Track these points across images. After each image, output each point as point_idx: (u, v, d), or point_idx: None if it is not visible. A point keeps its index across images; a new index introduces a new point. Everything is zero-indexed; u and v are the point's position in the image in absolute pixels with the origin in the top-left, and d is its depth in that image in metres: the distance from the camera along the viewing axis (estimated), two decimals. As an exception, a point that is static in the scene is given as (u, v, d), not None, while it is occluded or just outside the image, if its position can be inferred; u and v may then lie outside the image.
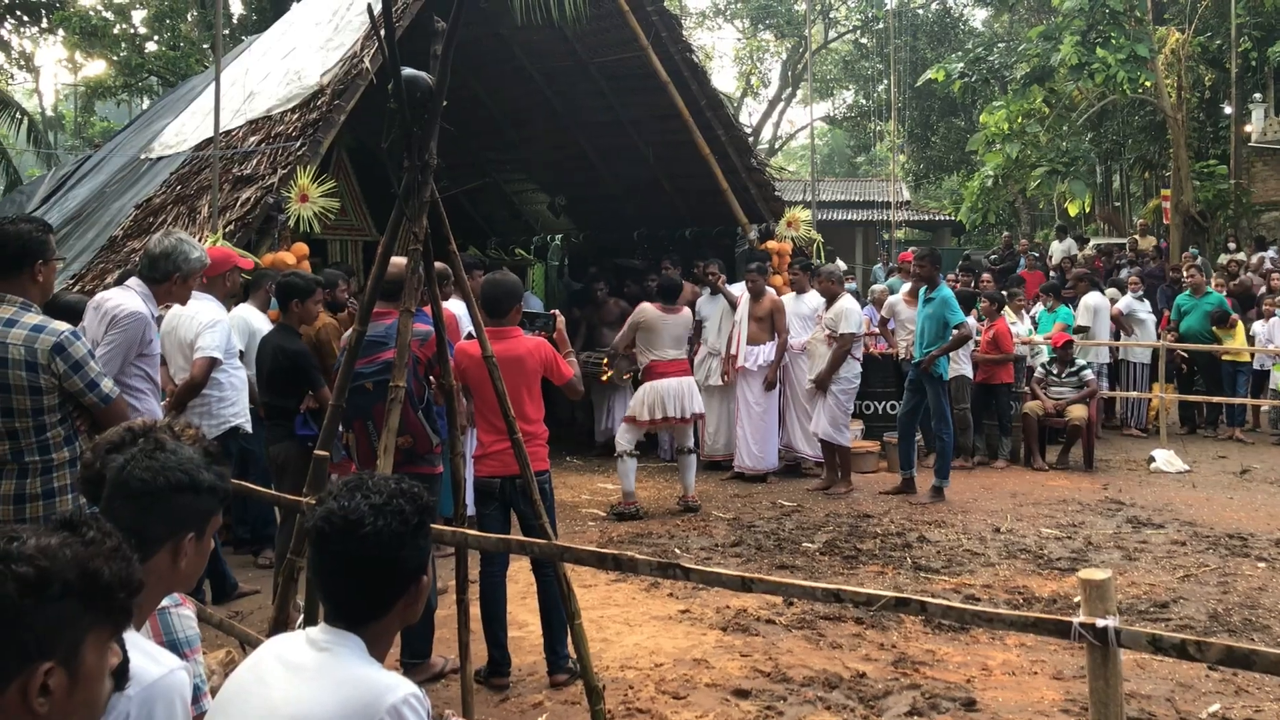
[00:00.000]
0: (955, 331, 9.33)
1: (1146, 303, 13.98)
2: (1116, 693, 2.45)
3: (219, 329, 6.32)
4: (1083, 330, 12.74)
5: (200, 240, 8.26)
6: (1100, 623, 2.42)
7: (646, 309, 9.06)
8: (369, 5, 4.59)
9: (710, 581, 2.93)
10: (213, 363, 6.26)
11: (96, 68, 27.78)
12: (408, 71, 4.32)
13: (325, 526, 2.23)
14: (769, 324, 10.12)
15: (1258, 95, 24.66)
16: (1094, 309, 13.23)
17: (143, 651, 2.13)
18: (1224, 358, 13.18)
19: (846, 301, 9.82)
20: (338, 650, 2.20)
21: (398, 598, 2.26)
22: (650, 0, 11.34)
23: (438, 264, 4.73)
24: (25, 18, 24.75)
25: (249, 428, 6.73)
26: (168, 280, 5.09)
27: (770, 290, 10.41)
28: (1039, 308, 13.31)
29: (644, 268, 12.10)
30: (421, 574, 2.29)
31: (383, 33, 4.15)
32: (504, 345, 5.41)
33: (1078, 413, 10.98)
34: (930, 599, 2.61)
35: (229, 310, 7.10)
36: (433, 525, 2.50)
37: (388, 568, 2.22)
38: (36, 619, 1.48)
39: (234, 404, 6.57)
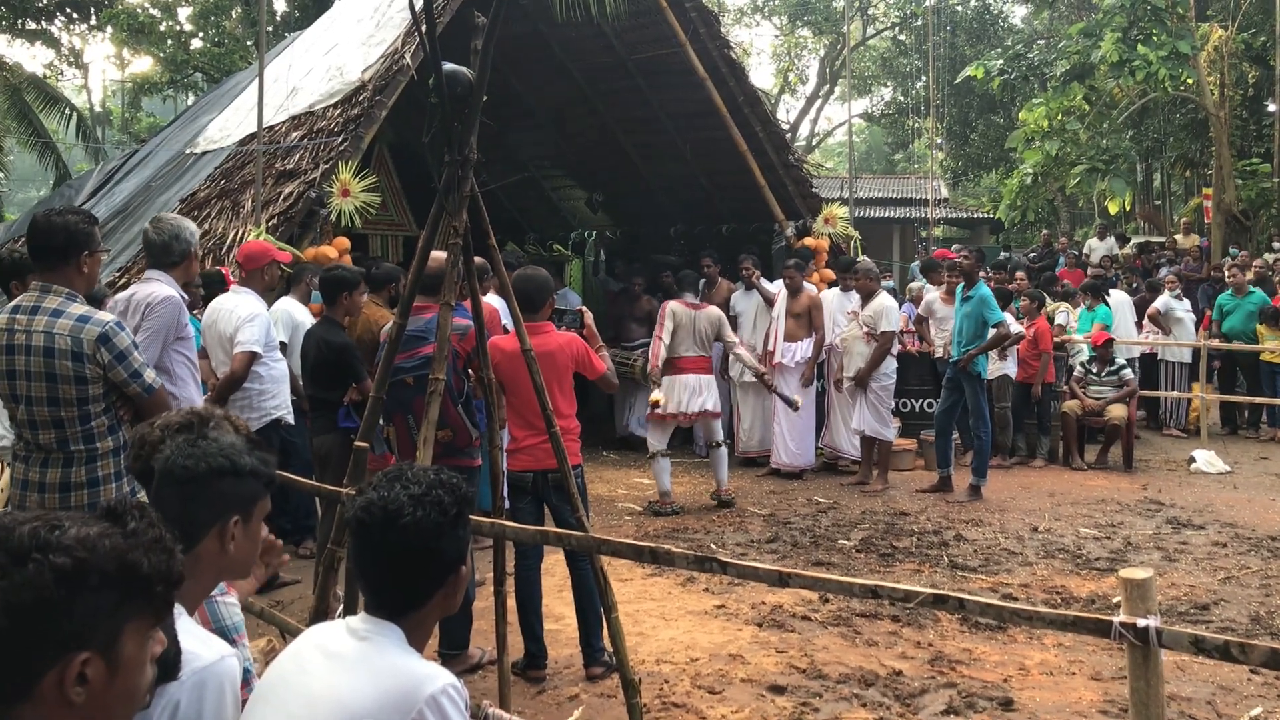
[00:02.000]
0: (994, 330, 9.29)
1: (1186, 301, 13.83)
2: (1158, 694, 2.44)
3: (258, 322, 6.37)
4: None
5: (243, 234, 8.37)
6: (1141, 623, 2.41)
7: (674, 308, 9.04)
8: (410, 1, 4.63)
9: (747, 576, 2.94)
10: (253, 357, 6.32)
11: (143, 64, 28.08)
12: (448, 67, 4.36)
13: (365, 516, 2.26)
14: (806, 320, 10.10)
15: (1302, 92, 24.32)
16: (1114, 306, 13.12)
17: (195, 637, 2.17)
18: (1263, 357, 13.02)
19: (885, 299, 9.80)
20: (377, 640, 2.23)
21: (437, 588, 2.29)
22: (688, -3, 11.34)
23: (477, 259, 4.76)
24: (75, 15, 25.05)
25: (290, 419, 6.80)
26: (186, 259, 5.13)
27: (809, 287, 10.39)
28: (1080, 308, 13.20)
29: (681, 264, 12.10)
30: (460, 564, 2.31)
31: (424, 28, 4.19)
32: (537, 340, 5.43)
33: (1117, 412, 10.89)
34: (969, 596, 2.60)
35: (270, 304, 7.17)
36: (471, 517, 2.52)
37: (427, 558, 2.25)
38: (74, 609, 1.49)
39: (275, 396, 6.62)
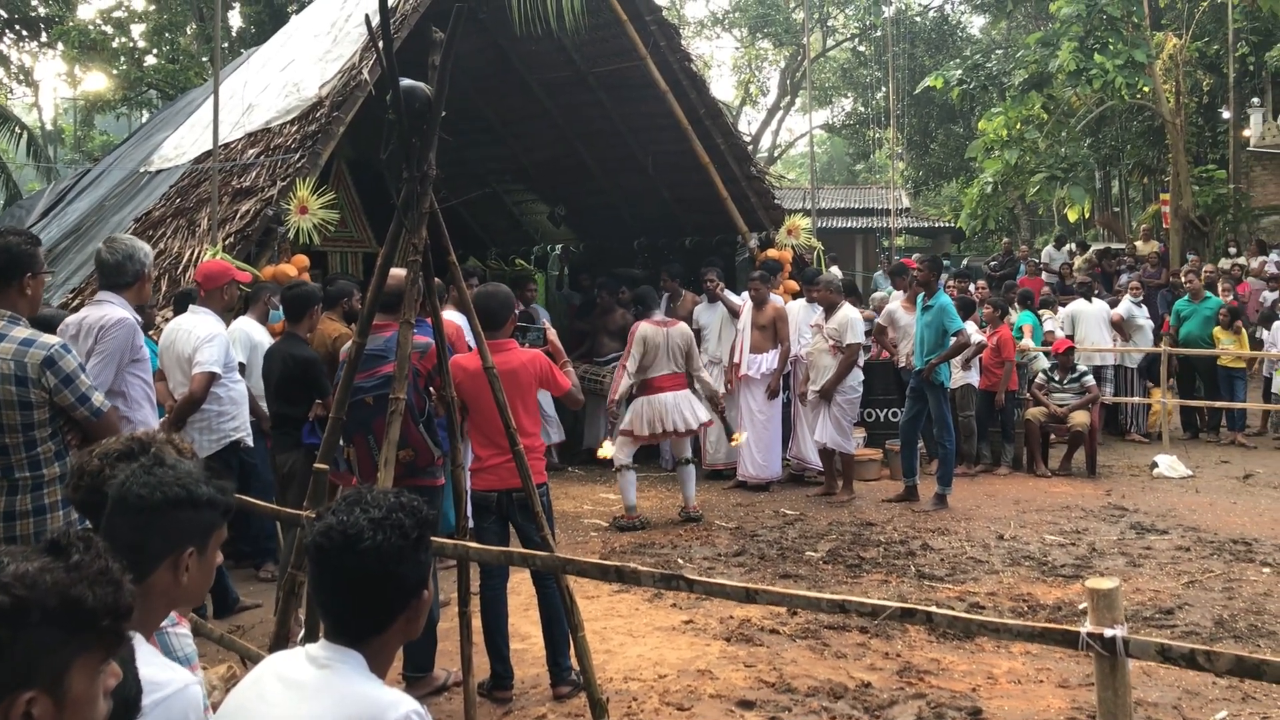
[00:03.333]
0: (954, 339, 9.32)
1: (1145, 308, 13.96)
2: (1125, 703, 2.43)
3: (217, 343, 6.28)
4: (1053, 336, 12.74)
5: (200, 253, 8.27)
6: (1108, 632, 2.40)
7: (644, 331, 8.97)
8: (366, 16, 4.58)
9: (714, 593, 2.91)
10: (212, 378, 6.23)
11: (96, 81, 27.79)
12: (406, 82, 4.31)
13: (324, 542, 2.21)
14: (772, 332, 10.09)
15: (1255, 100, 24.68)
16: (1071, 316, 13.23)
17: (157, 665, 2.14)
18: (1220, 362, 13.14)
19: (848, 311, 9.79)
20: (338, 667, 2.19)
21: (399, 613, 2.24)
22: (649, 10, 11.35)
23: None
24: (25, 32, 24.77)
25: (250, 441, 6.70)
26: (138, 281, 5.06)
27: (775, 298, 10.39)
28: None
29: (644, 277, 12.08)
30: (422, 588, 2.27)
31: (381, 44, 4.15)
32: (500, 358, 5.39)
33: (1080, 419, 10.96)
34: (935, 609, 2.59)
35: (227, 324, 7.09)
36: (434, 538, 2.48)
37: (387, 582, 2.20)
38: (15, 648, 1.45)
39: (234, 418, 6.53)
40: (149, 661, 2.14)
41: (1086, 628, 2.43)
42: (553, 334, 6.09)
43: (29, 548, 1.60)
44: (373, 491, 2.32)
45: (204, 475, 2.40)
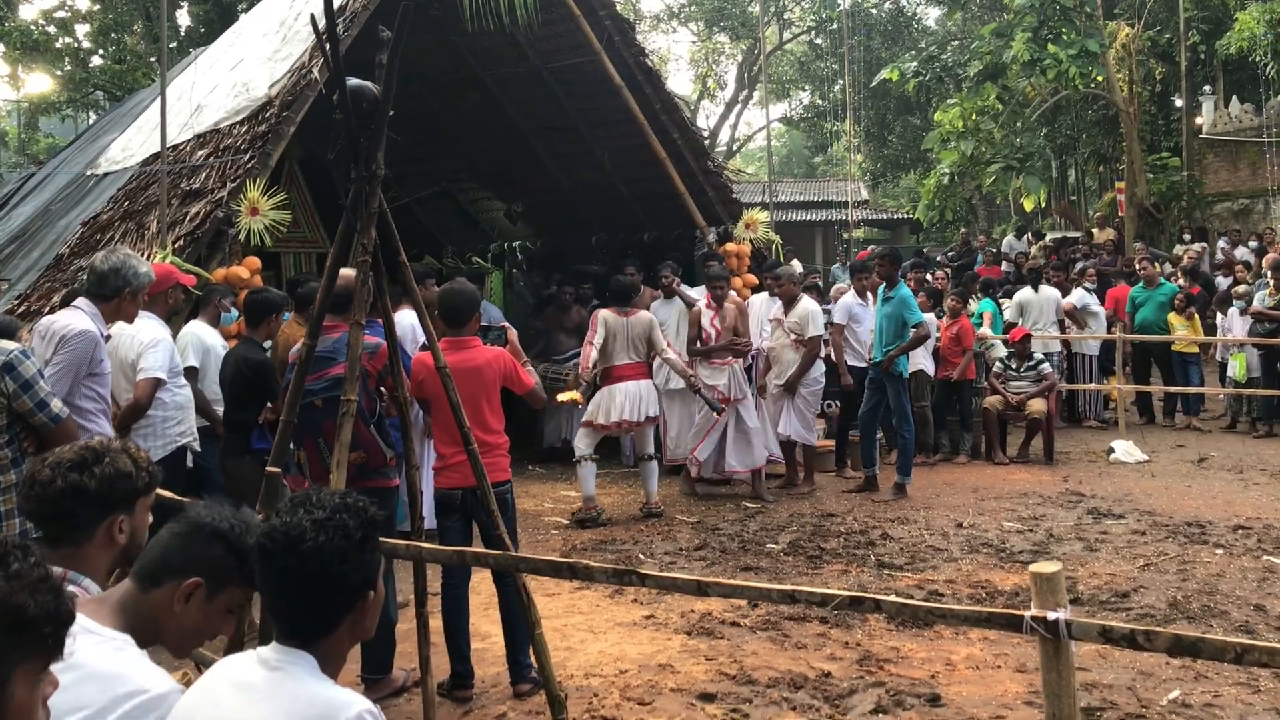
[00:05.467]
0: (914, 330, 9.37)
1: (1095, 297, 14.09)
2: (1069, 684, 2.46)
3: (161, 348, 6.19)
4: (1012, 325, 12.83)
5: (148, 257, 8.17)
6: (1051, 615, 2.43)
7: (605, 315, 8.99)
8: (312, 17, 4.54)
9: (666, 587, 2.91)
10: (157, 383, 6.12)
11: (40, 83, 27.41)
12: (353, 82, 4.28)
13: (267, 543, 2.21)
14: (733, 330, 10.07)
15: (1207, 88, 24.99)
16: (1020, 304, 13.35)
17: (150, 668, 2.21)
18: (1174, 347, 13.29)
19: (808, 304, 9.80)
20: (289, 669, 2.18)
21: (344, 613, 2.23)
22: (602, 5, 11.32)
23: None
24: (-36, 34, 24.42)
25: (197, 446, 6.62)
26: (117, 296, 5.04)
27: (732, 294, 10.37)
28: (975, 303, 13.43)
29: (603, 273, 12.06)
30: (368, 589, 2.26)
31: (327, 44, 4.11)
32: (463, 355, 5.39)
33: (1037, 406, 11.06)
34: (885, 597, 2.60)
35: (179, 328, 7.01)
36: (386, 539, 2.47)
37: (331, 583, 2.19)
38: None
39: (180, 423, 6.43)
40: (137, 664, 2.19)
41: (1031, 612, 2.45)
42: (513, 334, 6.08)
43: None
44: (320, 493, 2.31)
45: (233, 511, 2.50)
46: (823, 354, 10.01)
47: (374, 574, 2.28)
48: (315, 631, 2.21)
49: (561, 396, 9.15)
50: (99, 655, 2.14)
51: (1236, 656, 2.20)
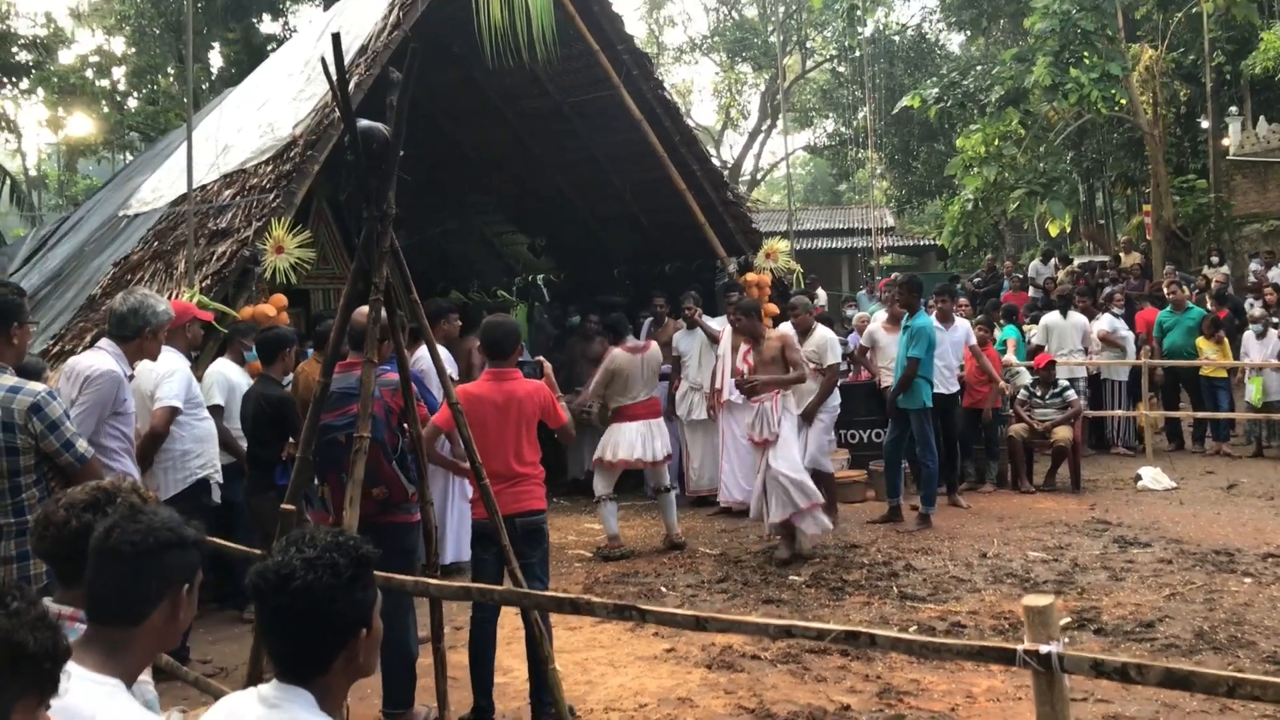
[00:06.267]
0: (908, 362, 9.38)
1: (1124, 321, 14.00)
2: (1064, 717, 2.45)
3: (177, 377, 6.27)
4: (1039, 350, 12.78)
5: (176, 296, 8.29)
6: (1044, 649, 2.43)
7: (618, 356, 9.00)
8: (323, 59, 4.63)
9: (665, 622, 2.93)
10: (173, 412, 6.20)
11: (79, 126, 27.93)
12: (364, 123, 4.36)
13: (259, 581, 2.25)
14: (781, 362, 10.02)
15: (1233, 109, 24.84)
16: (1046, 328, 13.29)
17: (138, 715, 2.24)
18: (1202, 372, 13.18)
19: (824, 332, 9.75)
20: (287, 706, 2.21)
21: (337, 651, 2.25)
22: (620, 39, 11.42)
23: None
24: (6, 79, 24.88)
25: (219, 478, 6.69)
26: (138, 336, 5.14)
27: (783, 327, 10.37)
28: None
29: (625, 304, 12.11)
30: (361, 627, 2.28)
31: (337, 88, 4.19)
32: (506, 386, 5.46)
33: (1063, 434, 10.98)
34: (879, 631, 2.61)
35: (205, 367, 7.13)
36: (401, 576, 2.50)
37: (321, 621, 2.22)
38: None
39: (200, 455, 6.49)
40: (129, 712, 2.21)
41: (1023, 645, 2.46)
42: (548, 368, 6.15)
43: None
44: (316, 531, 2.35)
45: (183, 518, 2.47)
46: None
47: (366, 612, 2.30)
48: (309, 669, 2.24)
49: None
50: (93, 700, 2.17)
51: (1229, 690, 2.20)
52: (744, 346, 9.14)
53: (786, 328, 9.91)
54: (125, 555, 2.32)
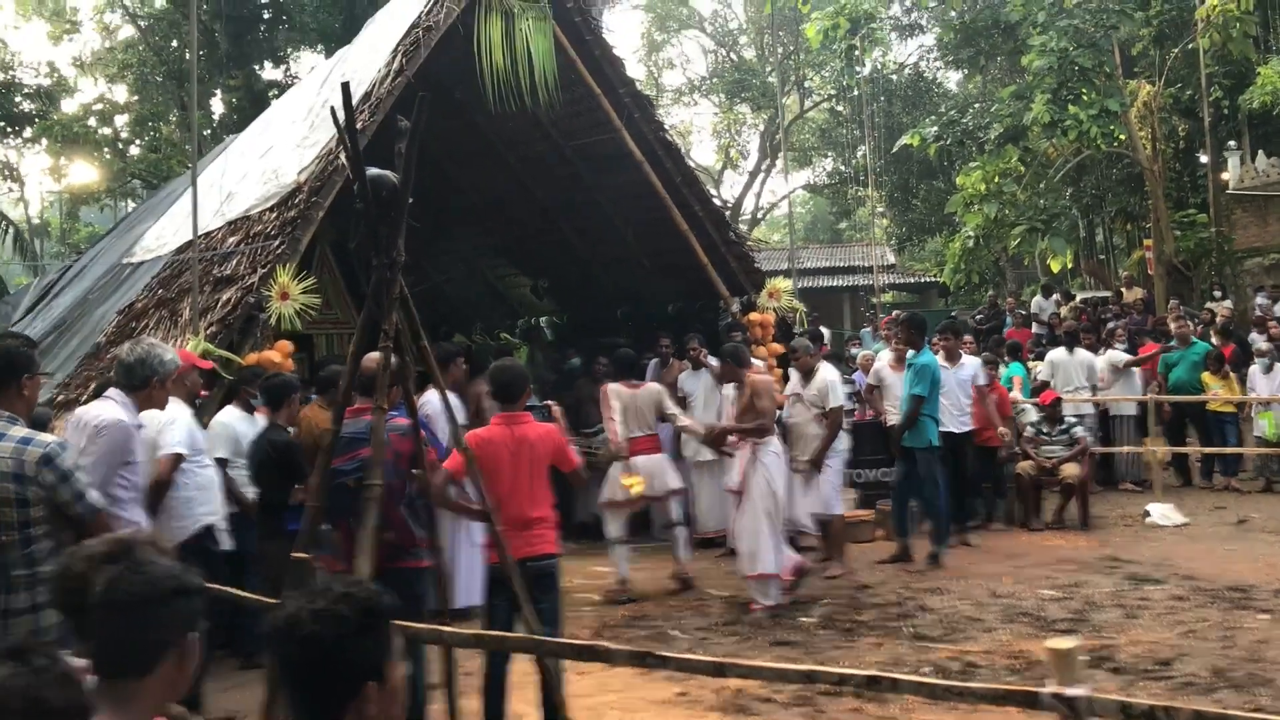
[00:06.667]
0: (911, 398, 9.34)
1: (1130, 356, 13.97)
2: (1092, 761, 2.42)
3: (179, 425, 6.27)
4: (1045, 386, 12.75)
5: (181, 343, 8.29)
6: (1069, 692, 2.39)
7: (616, 389, 9.00)
8: (333, 109, 4.64)
9: (685, 669, 2.90)
10: (177, 459, 6.21)
11: (81, 174, 28.10)
12: (372, 171, 4.37)
13: (271, 631, 2.25)
14: (750, 409, 9.96)
15: (1232, 143, 24.92)
16: (1052, 364, 13.28)
17: None
18: (1209, 407, 13.15)
19: (826, 373, 9.61)
20: None
21: (347, 701, 2.23)
22: (621, 83, 11.50)
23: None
24: (9, 128, 25.05)
25: (223, 524, 6.66)
26: (147, 386, 5.13)
27: (757, 362, 10.35)
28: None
29: (628, 345, 12.10)
30: (370, 678, 2.25)
31: (346, 135, 4.21)
32: (518, 430, 5.45)
33: (1071, 470, 10.93)
34: (902, 676, 2.58)
35: (209, 417, 7.13)
36: (413, 623, 2.47)
37: (328, 672, 2.20)
38: None
39: (204, 503, 6.48)
40: None
41: (1049, 689, 2.42)
42: (557, 411, 6.16)
43: None
44: (333, 582, 2.33)
45: (183, 566, 2.44)
46: (845, 424, 9.87)
47: (375, 665, 2.26)
48: (320, 718, 2.21)
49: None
50: None
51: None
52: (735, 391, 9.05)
53: (760, 376, 9.17)
54: (129, 606, 2.30)
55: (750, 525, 8.18)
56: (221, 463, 6.91)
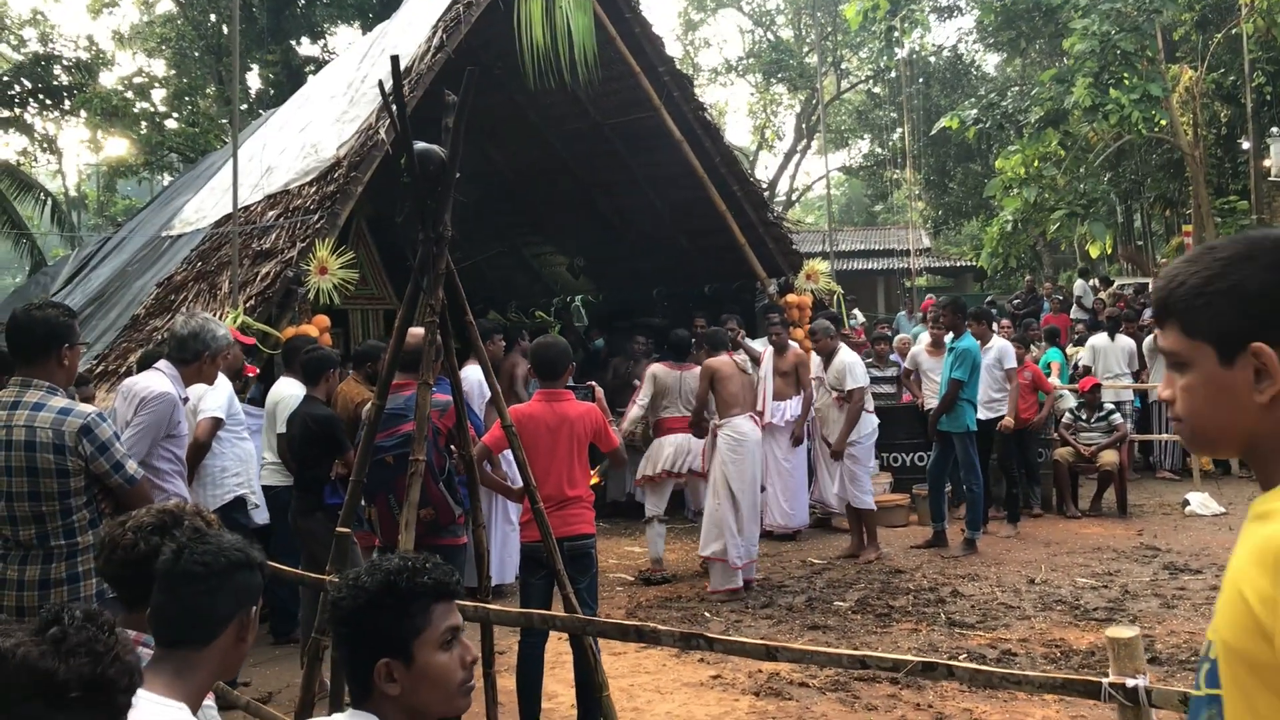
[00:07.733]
0: (948, 386, 9.26)
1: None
2: (1151, 752, 2.38)
3: (220, 390, 6.33)
4: (1086, 372, 12.64)
5: (220, 316, 8.33)
6: (1130, 682, 2.36)
7: (659, 370, 9.03)
8: (380, 82, 4.62)
9: (735, 651, 2.87)
10: (216, 423, 6.28)
11: (118, 147, 28.26)
12: (420, 145, 4.34)
13: (328, 607, 2.26)
14: (794, 378, 9.98)
15: (1275, 129, 24.52)
16: (1093, 349, 13.15)
17: None
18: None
19: (846, 355, 9.54)
20: None
21: (367, 677, 2.21)
22: (661, 61, 11.43)
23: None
24: (48, 101, 25.21)
25: (256, 499, 6.71)
26: (198, 360, 5.15)
27: (794, 344, 10.33)
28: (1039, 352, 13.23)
29: (665, 326, 12.07)
30: (384, 656, 2.20)
31: (394, 109, 4.18)
32: (559, 407, 5.44)
33: (1109, 458, 10.83)
34: (959, 662, 2.54)
35: (266, 391, 7.19)
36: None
37: (350, 646, 2.24)
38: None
39: (238, 474, 6.55)
40: None
41: (1109, 679, 2.38)
42: (600, 392, 6.15)
43: (12, 622, 1.67)
44: (387, 559, 2.33)
45: (247, 541, 2.49)
46: (871, 406, 9.75)
47: (389, 641, 2.20)
48: (359, 695, 2.23)
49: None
50: None
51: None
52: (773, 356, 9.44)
53: (718, 359, 8.71)
54: (197, 576, 2.34)
55: (710, 508, 8.31)
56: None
